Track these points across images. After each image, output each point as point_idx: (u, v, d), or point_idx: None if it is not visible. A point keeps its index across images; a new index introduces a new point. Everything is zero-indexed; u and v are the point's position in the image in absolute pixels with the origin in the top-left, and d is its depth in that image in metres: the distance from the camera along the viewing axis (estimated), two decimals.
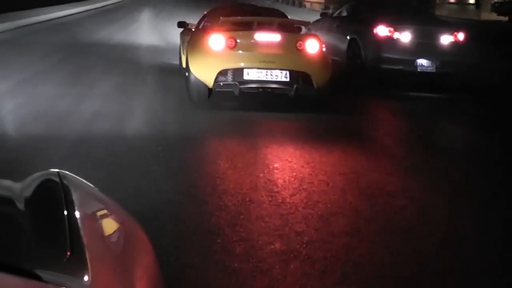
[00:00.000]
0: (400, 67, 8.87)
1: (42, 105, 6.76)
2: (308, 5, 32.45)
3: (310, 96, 7.05)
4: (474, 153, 6.01)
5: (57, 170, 1.68)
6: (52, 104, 6.80)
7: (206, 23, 8.02)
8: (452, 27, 9.62)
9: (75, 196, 1.53)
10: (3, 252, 1.23)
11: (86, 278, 1.17)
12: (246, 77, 6.80)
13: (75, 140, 5.39)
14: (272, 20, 7.40)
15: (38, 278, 1.12)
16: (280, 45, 6.88)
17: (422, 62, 8.86)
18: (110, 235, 1.53)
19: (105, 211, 1.68)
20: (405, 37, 8.97)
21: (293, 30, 7.54)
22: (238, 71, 6.78)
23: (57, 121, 6.10)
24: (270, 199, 4.12)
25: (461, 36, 9.18)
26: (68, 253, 1.24)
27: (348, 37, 9.63)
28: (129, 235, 1.58)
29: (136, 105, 7.11)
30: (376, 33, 9.04)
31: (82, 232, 1.34)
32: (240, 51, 6.85)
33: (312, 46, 6.97)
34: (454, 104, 8.44)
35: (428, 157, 5.68)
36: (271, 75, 6.80)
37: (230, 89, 6.87)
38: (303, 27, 7.83)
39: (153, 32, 16.52)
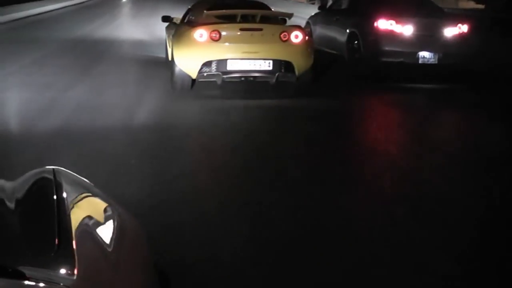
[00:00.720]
0: (401, 59, 8.93)
1: (21, 101, 6.84)
2: None
3: (290, 82, 7.51)
4: (473, 148, 5.74)
5: (52, 167, 1.73)
6: (36, 101, 6.90)
7: (191, 17, 8.31)
8: (454, 18, 9.62)
9: (68, 193, 1.57)
10: None
11: (72, 272, 1.23)
12: (229, 67, 7.22)
13: (47, 143, 5.21)
14: (255, 12, 7.69)
15: (22, 275, 1.17)
16: (264, 36, 7.20)
17: (424, 54, 8.93)
18: (102, 230, 1.55)
19: (99, 207, 1.70)
20: (406, 29, 8.96)
21: (276, 22, 7.85)
22: (222, 62, 7.18)
23: (36, 117, 6.14)
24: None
25: (463, 27, 9.21)
26: (55, 249, 1.30)
27: (347, 30, 9.66)
28: (123, 230, 1.62)
29: (123, 99, 7.29)
30: (377, 26, 9.05)
31: (72, 229, 1.39)
32: (224, 43, 7.16)
33: (296, 37, 7.34)
34: (453, 94, 8.44)
35: (422, 152, 5.55)
36: (254, 64, 7.23)
37: (213, 79, 7.30)
38: (287, 19, 8.11)
39: (137, 28, 16.52)
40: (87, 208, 1.66)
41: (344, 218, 3.87)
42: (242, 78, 7.42)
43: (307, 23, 11.81)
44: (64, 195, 1.55)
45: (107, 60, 10.34)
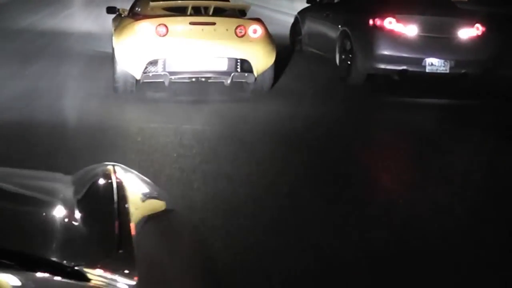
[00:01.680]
0: (404, 67, 7.79)
1: None
2: None
3: (248, 83, 7.18)
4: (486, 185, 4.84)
5: (112, 163, 1.75)
6: None
7: (136, 8, 7.76)
8: (470, 17, 8.49)
9: (129, 192, 1.61)
10: (51, 250, 1.33)
11: (133, 276, 1.25)
12: (178, 67, 6.86)
13: None
14: (208, 4, 7.17)
15: (82, 276, 1.21)
16: (217, 31, 6.73)
17: (432, 61, 7.84)
18: (163, 233, 1.63)
19: (159, 207, 1.76)
20: (410, 30, 7.89)
21: (232, 15, 7.33)
22: (170, 61, 6.83)
23: None
24: None
25: (481, 28, 8.17)
26: (116, 252, 1.32)
27: (339, 28, 8.63)
28: (182, 232, 1.72)
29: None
30: (372, 25, 7.96)
31: (132, 231, 1.42)
32: (172, 39, 6.64)
33: (254, 32, 7.03)
34: (467, 112, 7.33)
35: (422, 187, 4.72)
36: (207, 63, 6.90)
37: (160, 80, 6.94)
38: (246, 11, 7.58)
39: (87, 19, 16.32)
40: (147, 208, 1.72)
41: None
42: (193, 79, 6.92)
43: (296, 18, 11.00)
44: (125, 194, 1.58)
45: (47, 56, 9.92)
